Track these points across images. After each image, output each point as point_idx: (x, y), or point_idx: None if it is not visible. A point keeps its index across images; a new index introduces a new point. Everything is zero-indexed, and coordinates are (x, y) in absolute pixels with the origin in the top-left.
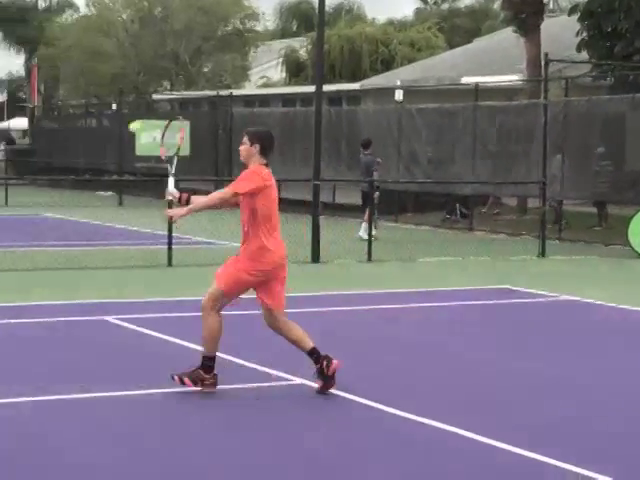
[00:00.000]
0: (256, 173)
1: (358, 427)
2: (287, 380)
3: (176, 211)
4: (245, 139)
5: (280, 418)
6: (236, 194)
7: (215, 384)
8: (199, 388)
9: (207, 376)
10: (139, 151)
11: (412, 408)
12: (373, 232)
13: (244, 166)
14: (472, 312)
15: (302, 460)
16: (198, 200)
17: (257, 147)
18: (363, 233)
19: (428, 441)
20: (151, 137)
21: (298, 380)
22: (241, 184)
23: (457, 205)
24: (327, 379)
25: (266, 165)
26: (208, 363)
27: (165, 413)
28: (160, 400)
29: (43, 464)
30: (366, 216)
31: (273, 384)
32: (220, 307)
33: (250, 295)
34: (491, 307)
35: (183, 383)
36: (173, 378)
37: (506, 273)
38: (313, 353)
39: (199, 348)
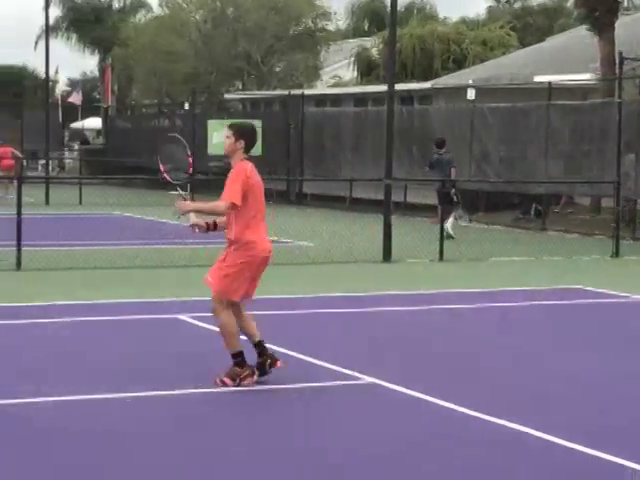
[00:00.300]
0: (241, 172)
1: (430, 426)
2: (357, 379)
3: (186, 205)
4: (230, 133)
5: (351, 417)
6: (234, 205)
7: (253, 374)
8: (248, 387)
9: (242, 370)
10: (211, 150)
11: (484, 408)
12: (450, 231)
13: (227, 167)
14: (544, 312)
15: (374, 459)
16: (206, 204)
17: (242, 143)
18: (450, 229)
19: (502, 440)
20: (223, 136)
21: (368, 379)
22: (233, 193)
23: (533, 205)
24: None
25: (247, 159)
26: (238, 359)
27: (235, 411)
28: (231, 399)
29: (125, 463)
30: (451, 214)
31: (343, 382)
32: (228, 305)
33: (315, 294)
34: (564, 307)
35: (225, 384)
36: (216, 382)
37: (579, 273)
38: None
39: (269, 346)
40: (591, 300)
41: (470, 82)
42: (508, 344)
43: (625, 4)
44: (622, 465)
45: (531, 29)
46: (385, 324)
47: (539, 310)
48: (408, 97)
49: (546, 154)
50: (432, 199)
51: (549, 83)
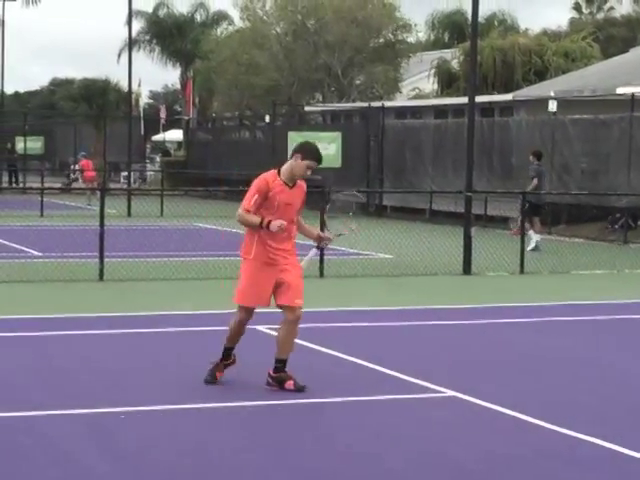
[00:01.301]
0: None
1: (510, 440)
2: (437, 392)
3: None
4: (315, 165)
5: (431, 430)
6: None
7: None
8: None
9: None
10: None
11: (566, 423)
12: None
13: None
14: (626, 326)
15: (447, 470)
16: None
17: None
18: (534, 243)
19: (584, 457)
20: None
21: (449, 392)
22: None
23: (623, 217)
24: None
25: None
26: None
27: (315, 422)
28: (307, 409)
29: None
30: (537, 227)
31: (423, 395)
32: None
33: (395, 307)
34: None
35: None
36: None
37: None
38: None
39: (350, 358)
40: None
41: (552, 94)
42: (592, 359)
43: None
44: None
45: (614, 40)
46: (465, 337)
47: (621, 324)
48: (489, 109)
49: (629, 166)
50: (512, 212)
51: (632, 95)
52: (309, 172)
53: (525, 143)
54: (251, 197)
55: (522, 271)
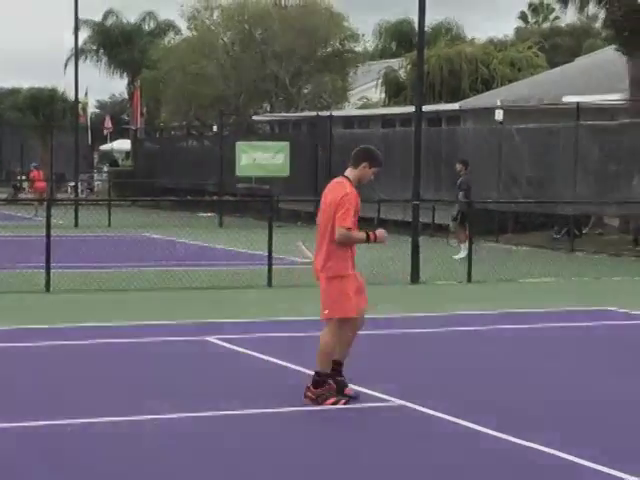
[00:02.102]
0: None
1: (454, 447)
2: (385, 401)
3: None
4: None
5: (379, 439)
6: None
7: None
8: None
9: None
10: (239, 172)
11: (514, 431)
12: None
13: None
14: (573, 334)
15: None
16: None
17: None
18: (463, 253)
19: (526, 461)
20: (251, 158)
21: (397, 401)
22: None
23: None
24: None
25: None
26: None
27: (267, 431)
28: (261, 418)
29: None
30: (464, 235)
31: (371, 405)
32: None
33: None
34: (591, 329)
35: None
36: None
37: (608, 294)
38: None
39: (299, 368)
40: (618, 322)
41: (498, 103)
42: (539, 367)
43: None
44: None
45: (560, 49)
46: (412, 346)
47: (568, 332)
48: (436, 118)
49: (575, 175)
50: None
51: (577, 104)
52: (373, 177)
53: (472, 152)
54: (348, 215)
55: (470, 280)
